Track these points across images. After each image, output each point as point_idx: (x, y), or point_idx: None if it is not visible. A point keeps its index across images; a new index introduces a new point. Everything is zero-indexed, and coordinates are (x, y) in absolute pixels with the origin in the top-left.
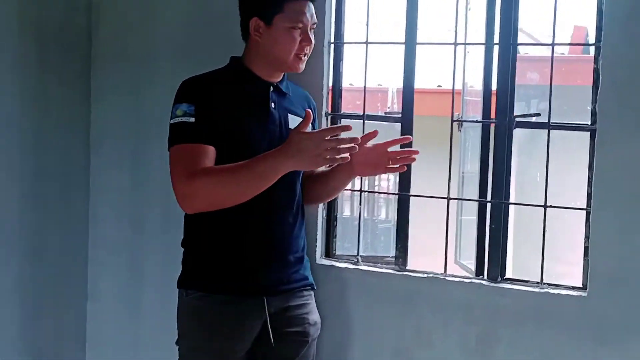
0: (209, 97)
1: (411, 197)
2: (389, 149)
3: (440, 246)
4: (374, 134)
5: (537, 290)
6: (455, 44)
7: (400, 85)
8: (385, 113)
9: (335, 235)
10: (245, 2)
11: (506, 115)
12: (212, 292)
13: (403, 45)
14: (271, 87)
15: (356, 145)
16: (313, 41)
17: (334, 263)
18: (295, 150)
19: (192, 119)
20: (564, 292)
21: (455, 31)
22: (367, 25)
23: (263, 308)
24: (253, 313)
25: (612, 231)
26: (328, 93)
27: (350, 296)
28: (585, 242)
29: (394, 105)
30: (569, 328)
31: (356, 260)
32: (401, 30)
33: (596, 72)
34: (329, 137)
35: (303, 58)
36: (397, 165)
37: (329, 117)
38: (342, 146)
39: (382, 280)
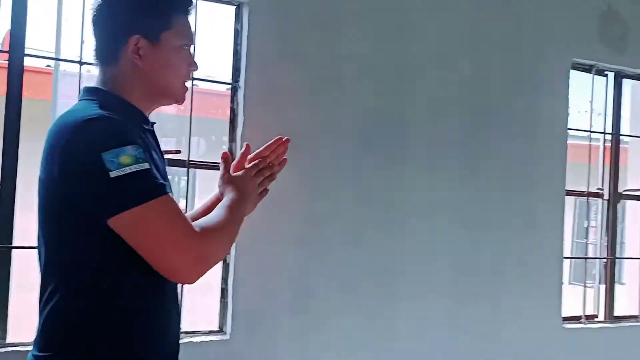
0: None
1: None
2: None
3: None
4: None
5: None
6: None
7: None
8: None
9: None
10: (116, 16)
11: None
12: None
13: None
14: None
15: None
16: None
17: None
18: (247, 195)
19: (146, 165)
20: (206, 338)
21: None
22: None
23: None
24: None
25: (251, 274)
26: None
27: None
28: (222, 284)
29: None
30: None
31: None
32: None
33: (233, 111)
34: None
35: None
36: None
37: None
38: (266, 174)
39: None
